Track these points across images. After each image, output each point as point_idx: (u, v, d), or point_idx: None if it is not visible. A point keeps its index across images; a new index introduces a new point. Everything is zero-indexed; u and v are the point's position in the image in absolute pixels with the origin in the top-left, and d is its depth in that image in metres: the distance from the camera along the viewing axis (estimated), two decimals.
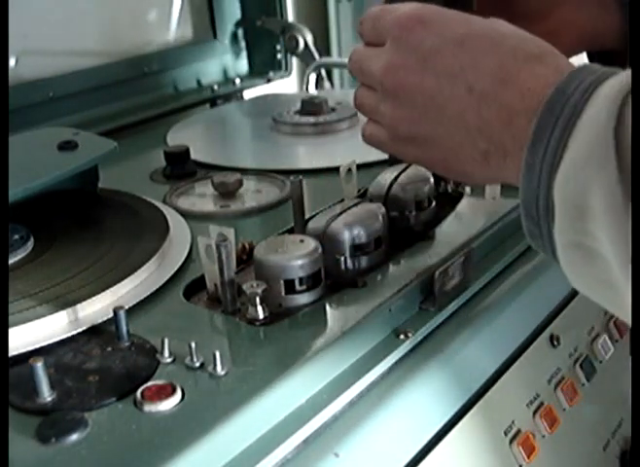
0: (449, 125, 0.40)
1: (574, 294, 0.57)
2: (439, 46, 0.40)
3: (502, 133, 0.38)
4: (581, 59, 0.52)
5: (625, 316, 0.35)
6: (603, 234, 0.32)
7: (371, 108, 0.44)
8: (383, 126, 0.43)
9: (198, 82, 1.03)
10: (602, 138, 0.32)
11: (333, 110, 0.85)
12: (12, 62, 0.82)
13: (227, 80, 1.07)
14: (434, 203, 0.57)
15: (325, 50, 1.21)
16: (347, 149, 0.78)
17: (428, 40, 0.40)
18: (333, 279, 0.47)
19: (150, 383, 0.38)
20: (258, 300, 0.44)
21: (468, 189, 0.61)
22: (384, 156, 0.53)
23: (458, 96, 0.39)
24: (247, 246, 0.52)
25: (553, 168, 0.34)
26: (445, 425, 0.44)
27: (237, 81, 1.06)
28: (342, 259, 0.47)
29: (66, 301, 0.44)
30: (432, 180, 0.57)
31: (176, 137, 0.83)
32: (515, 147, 0.37)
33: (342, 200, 0.53)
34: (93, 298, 0.45)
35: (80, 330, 0.43)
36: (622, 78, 0.33)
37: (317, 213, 0.52)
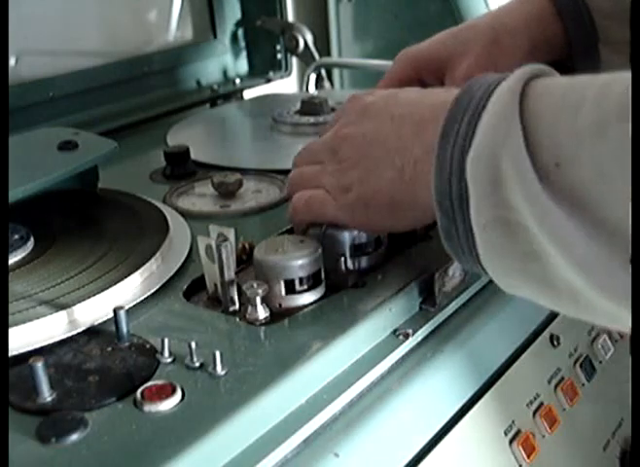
0: (375, 156, 0.43)
1: None
2: (375, 99, 0.46)
3: (413, 144, 0.40)
4: None
5: (553, 299, 0.35)
6: (518, 200, 0.32)
7: (314, 175, 0.47)
8: (325, 186, 0.46)
9: (198, 82, 1.03)
10: (507, 110, 0.33)
11: (333, 110, 0.85)
12: (12, 62, 0.82)
13: (227, 80, 1.07)
14: None
15: (325, 50, 1.21)
16: None
17: (368, 98, 0.47)
18: (333, 279, 0.47)
19: (150, 383, 0.38)
20: (258, 300, 0.44)
21: None
22: None
23: (383, 127, 0.43)
24: (247, 246, 0.52)
25: (464, 153, 0.35)
26: (445, 425, 0.44)
27: (237, 81, 1.06)
28: (342, 259, 0.47)
29: (66, 301, 0.44)
30: None
31: (176, 137, 0.83)
32: (422, 152, 0.40)
33: None
34: (93, 298, 0.45)
35: (80, 330, 0.43)
36: (526, 69, 0.35)
37: None
